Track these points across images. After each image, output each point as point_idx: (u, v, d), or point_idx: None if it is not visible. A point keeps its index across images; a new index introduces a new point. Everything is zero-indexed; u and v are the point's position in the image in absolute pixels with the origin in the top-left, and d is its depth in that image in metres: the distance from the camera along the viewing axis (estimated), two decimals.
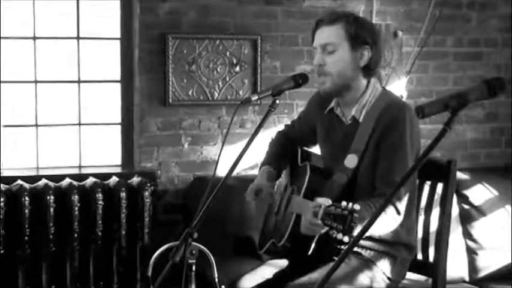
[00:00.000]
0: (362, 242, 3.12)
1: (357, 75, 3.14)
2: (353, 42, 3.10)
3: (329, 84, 3.13)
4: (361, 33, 3.11)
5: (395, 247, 3.21)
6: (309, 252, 3.02)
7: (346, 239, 2.59)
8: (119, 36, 4.50)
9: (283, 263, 3.31)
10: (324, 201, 2.70)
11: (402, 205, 3.03)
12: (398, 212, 3.01)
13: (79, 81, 4.49)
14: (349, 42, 3.10)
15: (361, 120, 3.14)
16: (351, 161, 3.09)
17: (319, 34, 3.15)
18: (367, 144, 3.09)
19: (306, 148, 3.47)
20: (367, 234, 3.00)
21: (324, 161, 3.34)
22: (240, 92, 4.53)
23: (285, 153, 3.46)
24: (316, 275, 3.07)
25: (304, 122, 3.46)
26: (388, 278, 3.22)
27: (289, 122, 3.64)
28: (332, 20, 3.13)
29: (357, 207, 2.56)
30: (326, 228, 2.70)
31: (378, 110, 3.11)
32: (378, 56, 3.19)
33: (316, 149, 3.52)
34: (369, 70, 3.16)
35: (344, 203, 2.58)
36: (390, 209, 2.99)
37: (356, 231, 2.59)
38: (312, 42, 3.20)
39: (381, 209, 2.25)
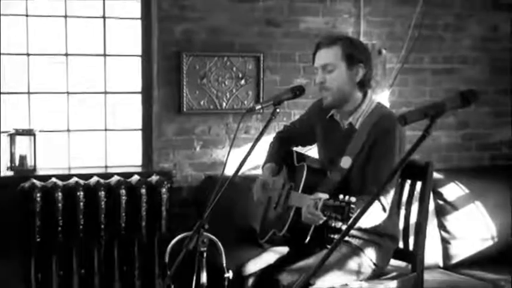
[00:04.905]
0: (351, 232, 3.12)
1: (354, 90, 3.16)
2: (349, 62, 3.11)
3: (330, 99, 3.16)
4: (355, 53, 3.13)
5: (381, 237, 3.21)
6: (306, 241, 3.02)
7: (344, 226, 2.60)
8: (140, 53, 4.49)
9: (283, 249, 3.30)
10: (323, 195, 2.71)
11: (388, 203, 3.04)
12: (384, 209, 3.04)
13: (105, 93, 4.48)
14: (345, 62, 3.11)
15: (357, 127, 3.15)
16: (346, 162, 3.10)
17: (319, 56, 3.17)
18: (361, 149, 3.10)
19: (300, 151, 3.47)
20: (357, 226, 3.02)
21: (322, 162, 3.34)
22: (245, 102, 4.52)
23: (283, 151, 3.46)
24: (311, 260, 3.07)
25: (306, 122, 3.47)
26: (374, 264, 3.22)
27: (287, 124, 3.65)
28: (330, 42, 3.15)
29: (353, 199, 2.56)
30: (325, 218, 2.71)
31: (373, 120, 3.12)
32: (371, 72, 3.21)
33: (311, 151, 3.52)
34: (363, 84, 3.18)
35: (341, 196, 2.59)
36: (378, 206, 3.00)
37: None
38: (313, 62, 3.21)
39: (368, 205, 2.24)
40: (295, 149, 3.48)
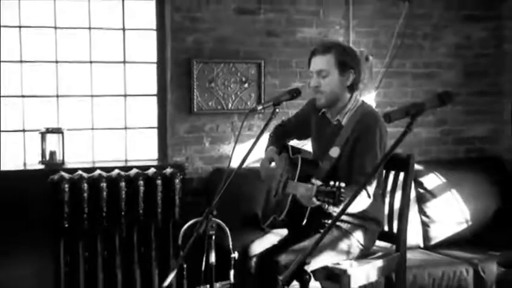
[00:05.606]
0: (341, 217, 3.12)
1: (344, 92, 3.16)
2: (341, 68, 3.11)
3: (324, 100, 3.16)
4: (347, 60, 3.12)
5: (367, 221, 3.21)
6: (303, 223, 3.02)
7: (336, 209, 2.59)
8: (155, 60, 4.49)
9: (283, 232, 3.31)
10: (316, 182, 2.71)
11: (372, 190, 3.04)
12: (369, 196, 3.03)
13: (125, 95, 4.48)
14: (338, 68, 3.11)
15: (343, 122, 3.16)
16: (335, 151, 3.11)
17: (315, 61, 3.16)
18: (347, 140, 3.10)
19: (295, 145, 3.47)
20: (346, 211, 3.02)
21: (314, 153, 3.34)
22: (248, 103, 4.52)
23: (282, 140, 3.46)
24: (307, 243, 3.07)
25: (302, 118, 3.47)
26: (362, 245, 3.22)
27: (283, 119, 3.65)
28: (324, 50, 3.14)
29: (342, 184, 2.56)
30: (318, 203, 2.71)
31: (356, 118, 3.14)
32: (359, 76, 3.21)
33: (303, 143, 3.52)
34: (352, 87, 3.18)
35: (332, 182, 2.59)
36: (363, 193, 2.99)
37: (341, 206, 2.59)
38: (309, 67, 3.20)
39: (356, 194, 2.25)
40: (290, 143, 3.48)
